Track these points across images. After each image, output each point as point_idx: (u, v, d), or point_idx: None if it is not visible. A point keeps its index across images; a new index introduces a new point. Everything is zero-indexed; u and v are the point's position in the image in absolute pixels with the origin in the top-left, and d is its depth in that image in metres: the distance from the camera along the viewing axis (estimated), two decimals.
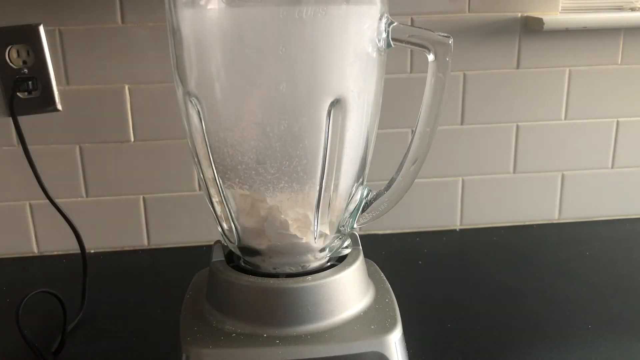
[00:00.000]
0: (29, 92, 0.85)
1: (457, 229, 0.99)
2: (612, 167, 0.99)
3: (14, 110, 0.80)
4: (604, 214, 1.01)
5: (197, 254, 0.92)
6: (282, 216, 0.54)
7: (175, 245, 0.94)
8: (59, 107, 0.86)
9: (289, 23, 0.46)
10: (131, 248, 0.94)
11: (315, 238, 0.55)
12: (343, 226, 0.57)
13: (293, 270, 0.55)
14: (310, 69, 0.48)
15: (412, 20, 0.89)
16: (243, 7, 0.46)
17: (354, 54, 0.50)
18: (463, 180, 0.97)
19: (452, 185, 0.97)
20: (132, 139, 0.89)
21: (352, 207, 0.56)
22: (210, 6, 0.48)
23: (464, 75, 0.92)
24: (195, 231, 0.94)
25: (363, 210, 0.57)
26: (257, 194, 0.53)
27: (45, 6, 0.83)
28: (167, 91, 0.87)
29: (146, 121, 0.88)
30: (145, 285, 0.83)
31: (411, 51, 0.89)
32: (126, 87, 0.87)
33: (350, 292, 0.55)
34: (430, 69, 0.50)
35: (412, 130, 0.53)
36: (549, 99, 0.94)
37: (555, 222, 1.00)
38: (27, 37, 0.83)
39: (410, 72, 0.91)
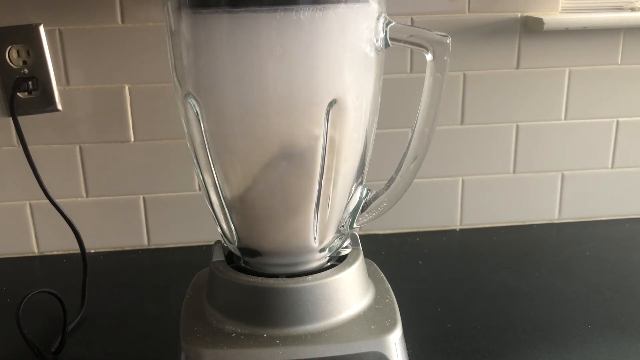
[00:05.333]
0: (29, 92, 0.85)
1: (457, 229, 0.99)
2: (612, 167, 0.99)
3: (14, 110, 0.80)
4: (604, 214, 1.01)
5: (197, 254, 0.92)
6: (282, 216, 0.54)
7: (175, 245, 0.94)
8: (59, 107, 0.86)
9: (287, 24, 0.46)
10: (131, 248, 0.94)
11: (314, 238, 0.55)
12: (343, 226, 0.57)
13: (293, 270, 0.55)
14: (308, 69, 0.48)
15: (412, 20, 0.89)
16: (241, 9, 0.46)
17: (351, 54, 0.50)
18: (463, 180, 0.97)
19: (452, 185, 0.97)
20: (132, 139, 0.89)
21: (351, 207, 0.56)
22: (208, 8, 0.48)
23: (464, 75, 0.92)
24: (195, 231, 0.94)
25: (362, 210, 0.57)
26: (256, 194, 0.53)
27: (45, 6, 0.83)
28: (167, 91, 0.87)
29: (146, 121, 0.88)
30: (145, 285, 0.83)
31: (411, 51, 0.89)
32: (126, 87, 0.87)
33: (350, 292, 0.55)
34: (429, 68, 0.50)
35: (412, 130, 0.53)
36: (549, 99, 0.94)
37: (555, 222, 1.00)
38: (27, 37, 0.83)
39: (410, 72, 0.91)
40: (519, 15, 0.90)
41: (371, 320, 0.54)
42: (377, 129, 0.56)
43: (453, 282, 0.81)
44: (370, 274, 0.60)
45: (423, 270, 0.85)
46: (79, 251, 0.79)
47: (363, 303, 0.56)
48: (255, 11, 0.46)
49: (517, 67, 0.92)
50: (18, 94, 0.84)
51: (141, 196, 0.92)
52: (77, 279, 0.79)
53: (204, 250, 0.92)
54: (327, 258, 0.57)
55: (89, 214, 0.91)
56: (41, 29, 0.83)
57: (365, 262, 0.59)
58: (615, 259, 0.87)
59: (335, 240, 0.57)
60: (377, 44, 0.51)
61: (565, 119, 0.96)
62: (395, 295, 0.58)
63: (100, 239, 0.92)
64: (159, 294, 0.80)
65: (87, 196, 0.91)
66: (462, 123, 0.94)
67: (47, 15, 0.83)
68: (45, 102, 0.86)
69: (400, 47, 0.52)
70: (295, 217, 0.54)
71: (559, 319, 0.71)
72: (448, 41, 0.49)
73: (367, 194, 0.57)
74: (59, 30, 0.84)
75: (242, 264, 0.57)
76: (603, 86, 0.95)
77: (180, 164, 0.91)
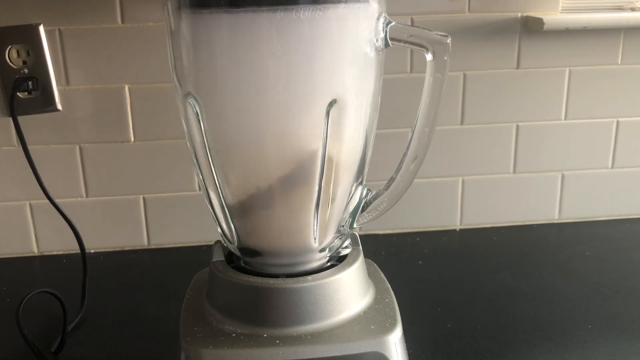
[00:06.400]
0: (29, 92, 0.85)
1: (457, 229, 0.99)
2: (612, 167, 0.99)
3: (14, 110, 0.80)
4: (604, 214, 1.01)
5: (197, 254, 0.92)
6: (282, 216, 0.54)
7: (175, 245, 0.94)
8: (59, 107, 0.86)
9: (287, 24, 0.46)
10: (131, 248, 0.94)
11: (314, 238, 0.55)
12: (343, 226, 0.57)
13: (293, 270, 0.55)
14: (308, 69, 0.48)
15: (412, 20, 0.89)
16: (241, 9, 0.46)
17: (351, 54, 0.50)
18: (463, 180, 0.97)
19: (452, 185, 0.97)
20: (132, 139, 0.89)
21: (351, 207, 0.56)
22: (208, 8, 0.48)
23: (464, 75, 0.92)
24: (195, 231, 0.94)
25: (362, 210, 0.57)
26: (256, 194, 0.53)
27: (45, 6, 0.83)
28: (167, 91, 0.87)
29: (146, 121, 0.88)
30: (145, 285, 0.83)
31: (411, 51, 0.89)
32: (126, 87, 0.87)
33: (350, 292, 0.55)
34: (429, 68, 0.50)
35: (412, 130, 0.53)
36: (549, 99, 0.94)
37: (555, 222, 1.00)
38: (27, 37, 0.83)
39: (410, 72, 0.91)
40: (519, 15, 0.90)
41: (371, 320, 0.54)
42: (377, 129, 0.56)
43: (453, 282, 0.81)
44: (370, 274, 0.60)
45: (423, 270, 0.85)
46: (79, 251, 0.79)
47: (363, 303, 0.56)
48: (255, 11, 0.46)
49: (517, 67, 0.92)
50: (18, 94, 0.84)
51: (141, 196, 0.92)
52: (77, 279, 0.79)
53: (204, 250, 0.92)
54: (327, 258, 0.57)
55: (89, 214, 0.91)
56: (41, 29, 0.83)
57: (365, 262, 0.59)
58: (615, 259, 0.87)
59: (335, 240, 0.57)
60: (377, 44, 0.51)
61: (565, 119, 0.96)
62: (395, 295, 0.58)
63: (100, 239, 0.92)
64: (159, 294, 0.80)
65: (87, 196, 0.91)
66: (462, 123, 0.94)
67: (47, 15, 0.83)
68: (45, 102, 0.86)
69: (400, 47, 0.52)
70: (295, 217, 0.54)
71: (559, 319, 0.71)
72: (448, 41, 0.49)
73: (367, 194, 0.57)
74: (59, 30, 0.84)
75: (242, 264, 0.57)
76: (603, 86, 0.95)
77: (180, 164, 0.91)
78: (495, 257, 0.88)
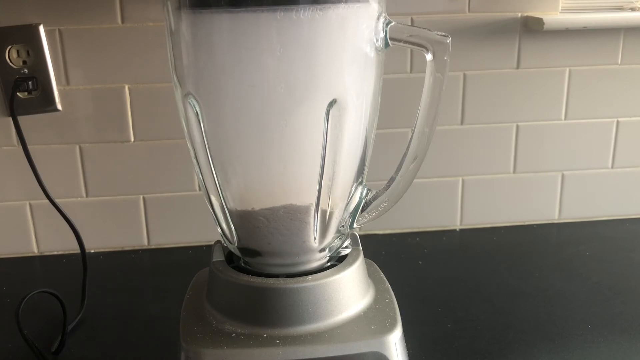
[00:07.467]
0: (29, 92, 0.85)
1: (457, 229, 0.99)
2: (612, 167, 0.99)
3: (14, 110, 0.80)
4: (604, 214, 1.01)
5: (197, 254, 0.92)
6: (282, 216, 0.54)
7: (175, 245, 0.94)
8: (59, 107, 0.86)
9: (287, 24, 0.46)
10: (131, 248, 0.94)
11: (314, 238, 0.55)
12: (343, 226, 0.57)
13: (293, 270, 0.55)
14: (308, 69, 0.48)
15: (412, 20, 0.89)
16: (241, 9, 0.46)
17: (351, 54, 0.50)
18: (463, 180, 0.97)
19: (452, 185, 0.97)
20: (132, 139, 0.89)
21: (351, 207, 0.56)
22: (208, 8, 0.48)
23: (464, 75, 0.92)
24: (195, 231, 0.94)
25: (362, 210, 0.57)
26: (256, 194, 0.53)
27: (45, 6, 0.83)
28: (167, 91, 0.87)
29: (146, 121, 0.88)
30: (145, 285, 0.83)
31: (411, 51, 0.89)
32: (126, 87, 0.87)
33: (350, 292, 0.55)
34: (429, 68, 0.50)
35: (412, 130, 0.53)
36: (549, 99, 0.94)
37: (555, 222, 1.00)
38: (27, 37, 0.83)
39: (410, 72, 0.91)
40: (519, 15, 0.90)
41: (371, 320, 0.54)
42: (377, 129, 0.56)
43: (453, 282, 0.81)
44: (370, 274, 0.60)
45: (423, 270, 0.85)
46: (79, 251, 0.79)
47: (363, 303, 0.56)
48: (255, 11, 0.46)
49: (517, 67, 0.92)
50: (18, 94, 0.84)
51: (141, 196, 0.92)
52: (77, 279, 0.79)
53: (204, 250, 0.92)
54: (327, 258, 0.57)
55: (89, 214, 0.91)
56: (41, 29, 0.83)
57: (366, 262, 0.59)
58: (615, 259, 0.87)
59: (335, 240, 0.57)
60: (377, 44, 0.51)
61: (565, 119, 0.96)
62: (395, 295, 0.58)
63: (100, 239, 0.92)
64: (159, 294, 0.80)
65: (87, 196, 0.91)
66: (462, 123, 0.94)
67: (47, 15, 0.83)
68: (45, 102, 0.86)
69: (400, 47, 0.52)
70: (295, 217, 0.54)
71: (559, 319, 0.71)
72: (448, 41, 0.49)
73: (367, 194, 0.57)
74: (59, 30, 0.84)
75: (242, 264, 0.57)
76: (603, 86, 0.95)
77: (180, 164, 0.91)
78: (495, 257, 0.88)
